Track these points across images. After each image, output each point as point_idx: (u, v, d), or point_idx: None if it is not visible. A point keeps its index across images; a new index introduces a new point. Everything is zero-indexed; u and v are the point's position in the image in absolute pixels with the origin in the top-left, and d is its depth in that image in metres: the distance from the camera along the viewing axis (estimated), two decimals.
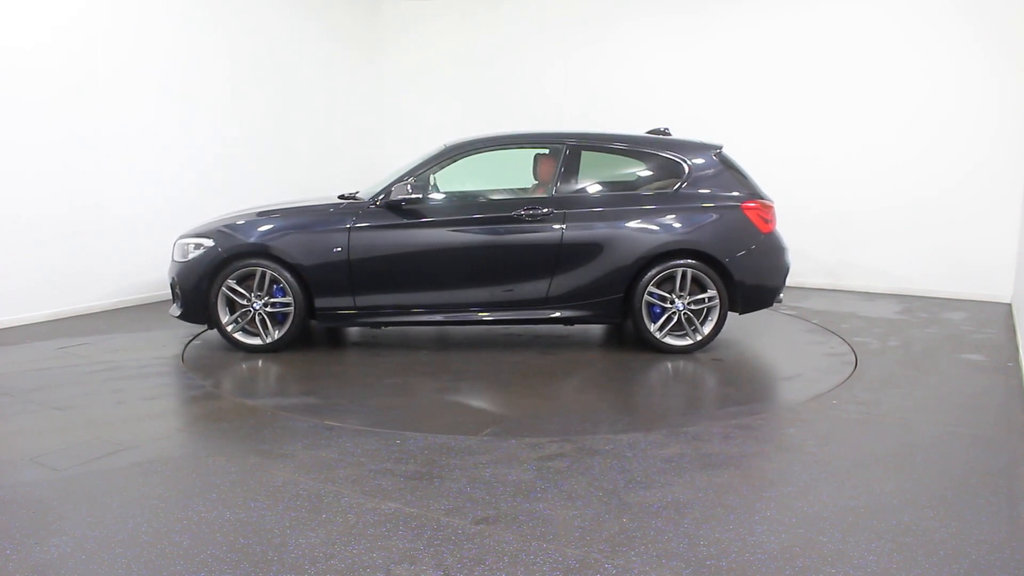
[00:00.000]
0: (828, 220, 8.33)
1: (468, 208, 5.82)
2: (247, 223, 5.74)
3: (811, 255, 8.25)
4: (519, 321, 5.76)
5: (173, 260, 5.83)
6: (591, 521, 3.08)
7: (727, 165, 5.78)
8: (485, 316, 5.71)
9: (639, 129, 6.38)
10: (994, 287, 7.73)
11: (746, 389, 4.96)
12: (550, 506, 3.21)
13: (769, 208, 5.71)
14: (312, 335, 6.36)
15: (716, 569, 2.73)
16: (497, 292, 5.65)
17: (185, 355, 5.61)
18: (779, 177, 7.59)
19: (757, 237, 5.62)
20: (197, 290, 5.61)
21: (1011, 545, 2.92)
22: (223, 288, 5.59)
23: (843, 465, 3.70)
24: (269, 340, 5.65)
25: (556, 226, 5.56)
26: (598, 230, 5.59)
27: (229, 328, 5.66)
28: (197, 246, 5.68)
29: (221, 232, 5.69)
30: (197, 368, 5.32)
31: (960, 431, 4.17)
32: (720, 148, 5.85)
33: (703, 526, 3.05)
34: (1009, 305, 7.51)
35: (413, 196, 5.55)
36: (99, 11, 6.85)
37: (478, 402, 4.75)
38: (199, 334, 6.23)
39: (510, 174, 6.29)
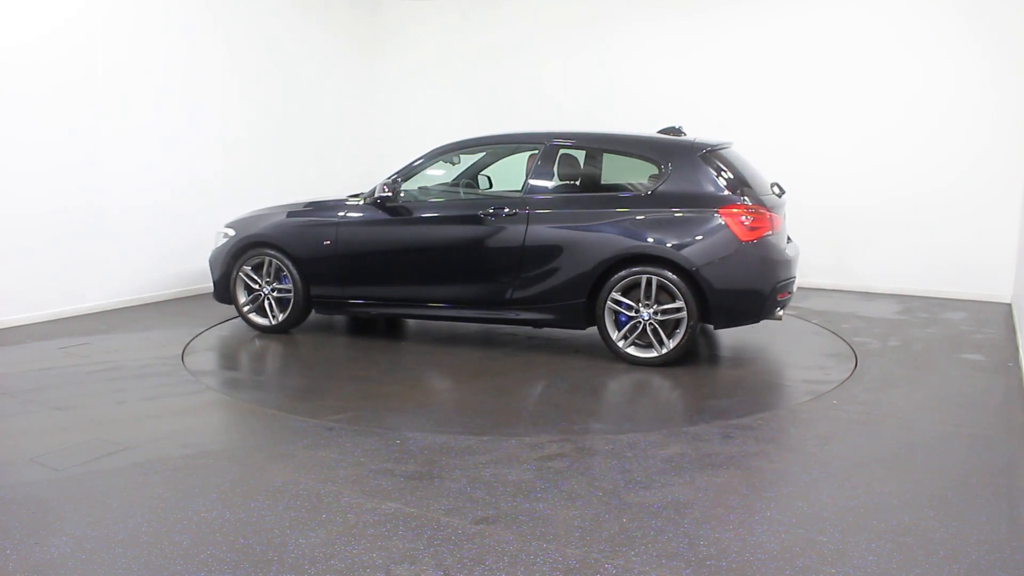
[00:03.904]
0: (827, 219, 8.31)
1: (440, 207, 5.98)
2: (261, 216, 6.35)
3: (810, 254, 8.23)
4: (486, 320, 5.79)
5: (214, 247, 6.50)
6: (591, 521, 3.08)
7: (716, 166, 5.37)
8: (452, 314, 5.83)
9: (646, 128, 6.33)
10: (994, 287, 7.72)
11: (746, 389, 4.96)
12: (550, 506, 3.21)
13: (759, 215, 5.21)
14: (331, 319, 6.77)
15: (716, 569, 2.73)
16: (464, 291, 5.71)
17: (185, 355, 5.61)
18: (779, 176, 7.58)
19: (735, 245, 5.14)
20: (223, 274, 6.29)
21: (1011, 545, 2.92)
22: (240, 273, 6.21)
23: (843, 465, 3.70)
24: (275, 322, 6.19)
25: (520, 227, 5.52)
26: (561, 232, 5.43)
27: (245, 309, 6.26)
28: (225, 235, 6.36)
29: (241, 223, 6.38)
30: (197, 368, 5.32)
31: (960, 431, 4.17)
32: (709, 149, 5.45)
33: (703, 526, 3.05)
34: (1009, 305, 7.51)
35: (388, 195, 5.84)
36: (98, 10, 6.84)
37: (361, 392, 4.82)
38: (199, 334, 6.24)
39: (520, 175, 6.30)
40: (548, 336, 6.21)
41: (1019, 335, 6.04)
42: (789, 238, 5.97)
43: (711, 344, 6.07)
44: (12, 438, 3.98)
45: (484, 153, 6.35)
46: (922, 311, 7.30)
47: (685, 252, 5.16)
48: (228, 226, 6.42)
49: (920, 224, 8.00)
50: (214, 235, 6.53)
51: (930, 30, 7.82)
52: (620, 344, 5.36)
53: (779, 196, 5.74)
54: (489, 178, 6.53)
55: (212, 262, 6.40)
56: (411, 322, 6.74)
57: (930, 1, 7.83)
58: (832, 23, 8.19)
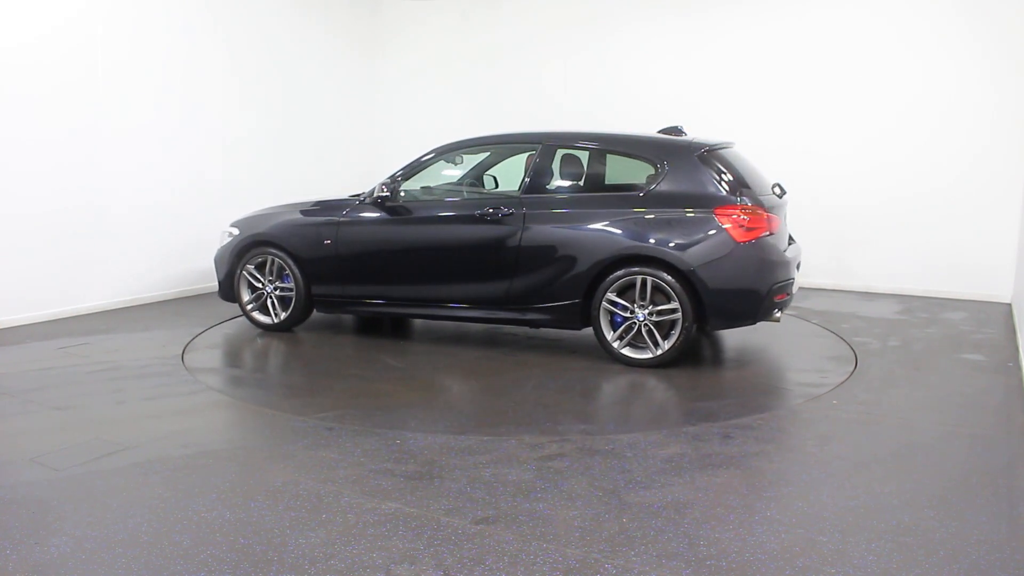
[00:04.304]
0: (827, 219, 8.31)
1: (437, 207, 6.00)
2: (263, 215, 6.43)
3: (811, 254, 8.23)
4: (483, 320, 5.82)
5: (219, 245, 6.57)
6: (591, 521, 3.08)
7: (714, 166, 5.31)
8: (449, 313, 5.85)
9: (646, 128, 6.32)
10: (994, 287, 7.72)
11: (746, 389, 4.96)
12: (550, 506, 3.21)
13: (756, 215, 5.15)
14: (338, 318, 6.89)
15: (716, 569, 2.73)
16: (460, 290, 5.73)
17: (185, 355, 5.61)
18: (778, 176, 7.57)
19: (730, 246, 5.07)
20: (227, 273, 6.37)
21: (1011, 545, 2.92)
22: (243, 272, 6.29)
23: (843, 465, 3.70)
24: (277, 320, 6.26)
25: (516, 227, 5.52)
26: (555, 232, 5.42)
27: (248, 307, 6.34)
28: (230, 234, 6.44)
29: (245, 222, 6.45)
30: (197, 368, 5.32)
31: (960, 431, 4.17)
32: (707, 149, 5.41)
33: (703, 526, 3.05)
34: (1009, 305, 7.51)
35: (386, 195, 5.91)
36: (98, 10, 6.83)
37: (352, 391, 4.89)
38: (199, 334, 6.24)
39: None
40: (546, 336, 6.21)
41: (1019, 335, 6.04)
42: (792, 239, 5.95)
43: (711, 345, 6.07)
44: (12, 438, 3.98)
45: (489, 153, 6.36)
46: (922, 311, 7.30)
47: (680, 253, 5.11)
48: (233, 225, 6.50)
49: (920, 224, 8.00)
50: (219, 234, 6.60)
51: (930, 30, 7.82)
52: (615, 345, 5.33)
53: (780, 197, 5.70)
54: (495, 178, 6.53)
55: (217, 260, 6.48)
56: (417, 321, 6.75)
57: (930, 1, 7.83)
58: (832, 23, 8.19)
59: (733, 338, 6.17)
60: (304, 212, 6.25)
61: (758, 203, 5.24)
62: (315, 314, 6.44)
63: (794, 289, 5.57)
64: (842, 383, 5.02)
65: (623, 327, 5.31)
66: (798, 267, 5.84)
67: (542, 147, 5.75)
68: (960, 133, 7.76)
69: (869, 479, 3.53)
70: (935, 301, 7.75)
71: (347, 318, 6.87)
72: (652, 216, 5.26)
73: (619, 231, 5.28)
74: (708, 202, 5.19)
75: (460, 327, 6.53)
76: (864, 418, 4.36)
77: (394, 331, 6.53)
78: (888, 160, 8.07)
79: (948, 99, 7.78)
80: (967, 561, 2.80)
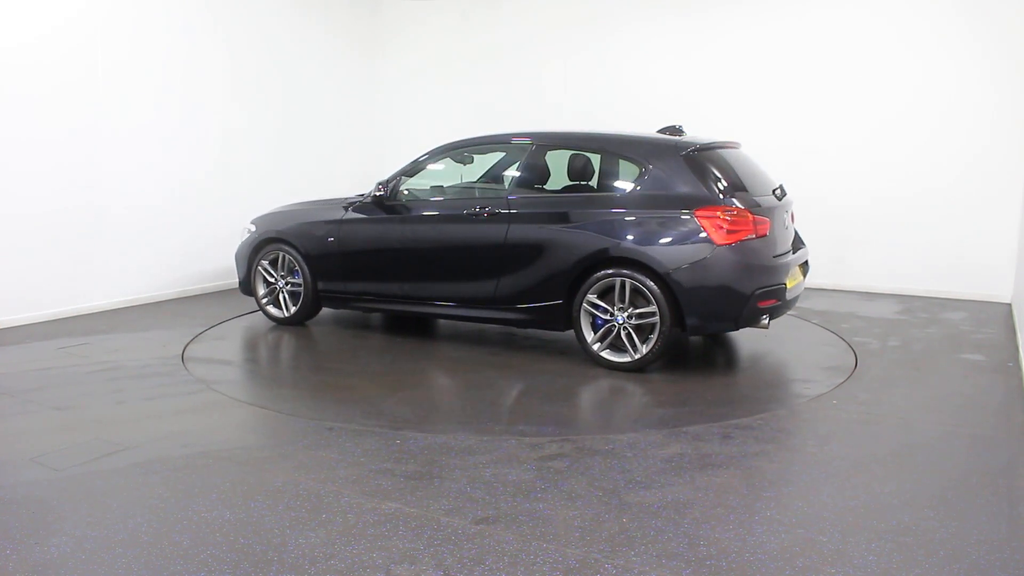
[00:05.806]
0: (827, 219, 8.30)
1: (429, 207, 6.03)
2: (278, 213, 6.66)
3: (811, 253, 8.22)
4: (471, 319, 5.85)
5: (240, 241, 6.81)
6: (591, 521, 3.08)
7: (701, 167, 5.17)
8: (439, 311, 5.91)
9: (646, 128, 6.30)
10: (994, 287, 7.71)
11: (745, 389, 4.96)
12: (550, 506, 3.21)
13: (740, 218, 4.97)
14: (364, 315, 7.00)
15: (716, 569, 2.73)
16: (449, 288, 5.78)
17: (185, 355, 5.61)
18: (778, 176, 7.57)
19: (710, 248, 4.93)
20: (246, 268, 6.63)
21: (1011, 545, 2.93)
22: (258, 267, 6.54)
23: (843, 465, 3.70)
24: (288, 314, 6.48)
25: (502, 226, 5.52)
26: (538, 233, 5.38)
27: (263, 302, 6.58)
28: (248, 231, 6.69)
29: (262, 219, 6.67)
30: (197, 368, 5.32)
31: (960, 431, 4.17)
32: (696, 148, 5.27)
33: (703, 526, 3.05)
34: (1009, 305, 7.50)
35: (382, 194, 6.04)
36: (98, 10, 6.83)
37: (325, 385, 4.95)
38: (199, 333, 6.24)
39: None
40: (541, 337, 6.20)
41: (1019, 335, 6.03)
42: (801, 242, 5.89)
43: (711, 345, 6.07)
44: (12, 438, 3.98)
45: (505, 153, 6.25)
46: (922, 311, 7.29)
47: (657, 255, 5.01)
48: (252, 222, 6.72)
49: (920, 224, 7.99)
50: (240, 230, 6.88)
51: (930, 30, 7.82)
52: (595, 348, 5.26)
53: (779, 199, 5.54)
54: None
55: (237, 256, 6.73)
56: (440, 320, 6.74)
57: (930, 1, 7.83)
58: (832, 23, 8.19)
59: (732, 339, 6.17)
60: (310, 209, 6.48)
61: (750, 204, 5.09)
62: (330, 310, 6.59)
63: (790, 295, 5.35)
64: (842, 383, 5.02)
65: (603, 329, 5.25)
66: (805, 270, 5.78)
67: (532, 148, 5.74)
68: (960, 133, 7.76)
69: (869, 479, 3.53)
70: (935, 301, 7.75)
71: (371, 314, 6.94)
72: (632, 217, 5.18)
73: (599, 232, 5.20)
74: (689, 203, 5.06)
75: (476, 325, 6.52)
76: (864, 418, 4.36)
77: (405, 328, 6.51)
78: (888, 160, 8.07)
79: (948, 99, 7.78)
80: (967, 561, 2.80)
